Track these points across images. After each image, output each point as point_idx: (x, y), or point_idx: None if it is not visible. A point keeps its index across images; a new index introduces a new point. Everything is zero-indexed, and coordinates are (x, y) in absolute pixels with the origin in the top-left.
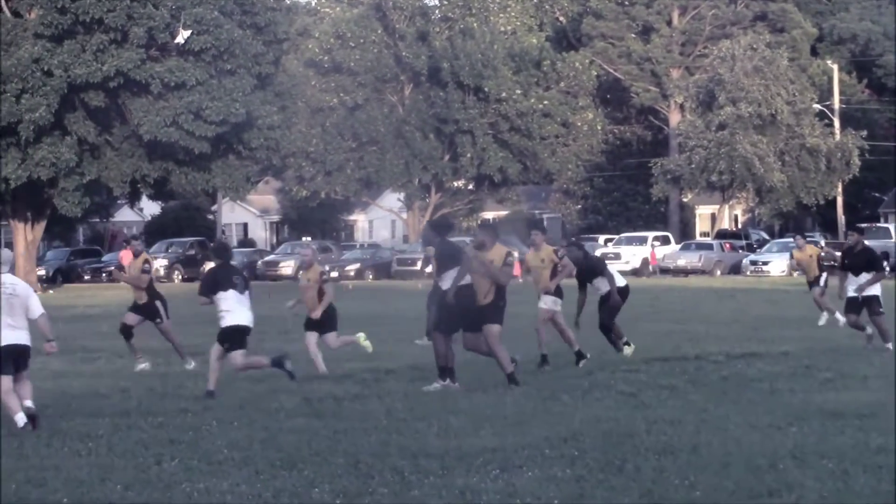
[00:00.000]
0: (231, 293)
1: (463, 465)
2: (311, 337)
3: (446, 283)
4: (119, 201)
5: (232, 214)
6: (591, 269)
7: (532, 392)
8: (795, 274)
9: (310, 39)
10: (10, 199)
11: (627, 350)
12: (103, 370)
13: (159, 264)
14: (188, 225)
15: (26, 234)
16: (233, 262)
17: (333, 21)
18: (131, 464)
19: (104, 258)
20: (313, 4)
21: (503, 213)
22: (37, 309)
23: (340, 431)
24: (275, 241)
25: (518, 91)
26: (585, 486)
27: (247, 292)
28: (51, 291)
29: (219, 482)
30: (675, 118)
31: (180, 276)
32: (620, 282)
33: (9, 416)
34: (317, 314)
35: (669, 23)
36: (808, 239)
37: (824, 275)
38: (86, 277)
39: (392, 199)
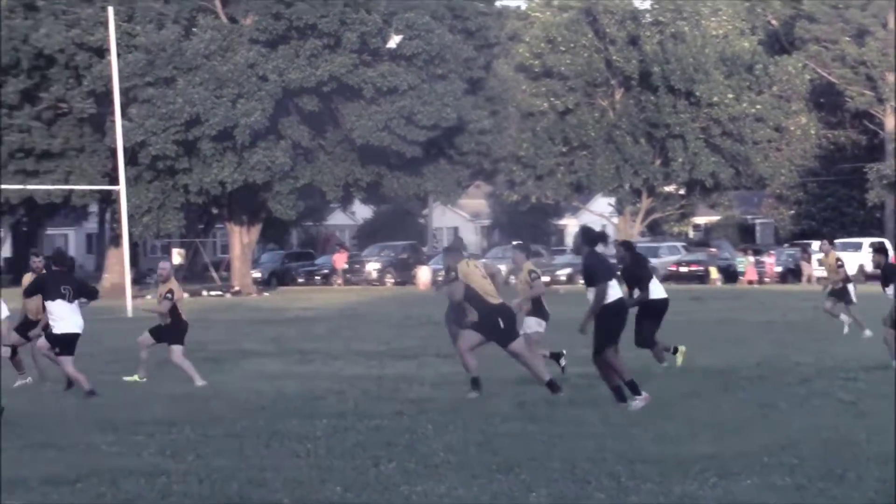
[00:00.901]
0: (59, 303)
1: (680, 472)
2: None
3: (590, 295)
4: (332, 205)
5: (443, 218)
6: (634, 275)
7: (749, 399)
8: None
9: (520, 44)
10: (227, 203)
11: (679, 357)
12: (319, 372)
13: (371, 267)
14: (400, 229)
15: (242, 237)
16: (72, 272)
17: (544, 25)
18: (349, 465)
19: (317, 261)
20: (523, 9)
21: (715, 218)
22: (3, 311)
23: (556, 436)
24: (485, 245)
25: (730, 95)
26: (806, 494)
27: (76, 302)
28: (265, 294)
29: (436, 485)
30: (890, 122)
31: (392, 280)
32: (658, 294)
33: None
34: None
35: (885, 25)
36: None
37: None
38: (299, 280)
39: (603, 204)
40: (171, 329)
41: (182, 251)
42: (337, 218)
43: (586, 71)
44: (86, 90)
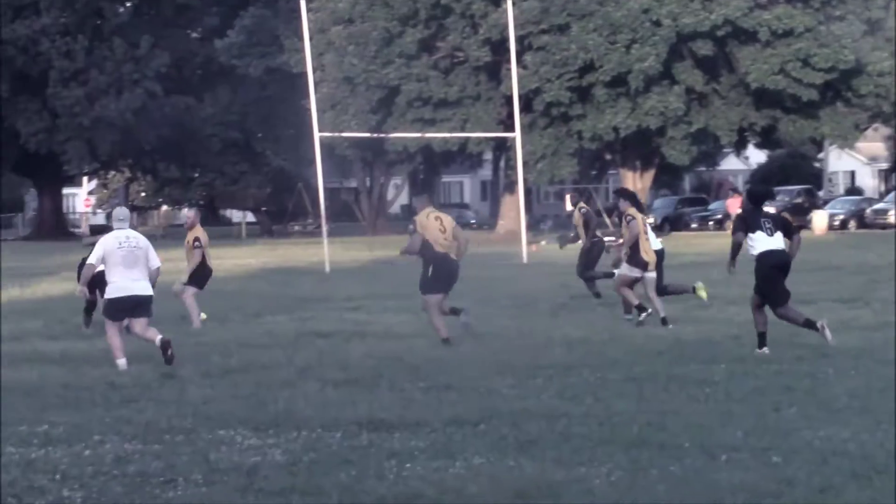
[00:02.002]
0: None
1: None
2: None
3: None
4: (725, 150)
5: (839, 162)
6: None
7: None
8: None
9: None
10: (620, 149)
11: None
12: (716, 317)
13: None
14: (794, 173)
15: (635, 183)
16: None
17: None
18: (749, 410)
19: (710, 206)
20: None
21: None
22: (154, 261)
23: None
24: (882, 188)
25: None
26: None
27: None
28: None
29: (839, 430)
30: None
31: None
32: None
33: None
34: None
35: None
36: None
37: None
38: (693, 226)
39: None
40: (196, 274)
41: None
42: (730, 163)
43: None
44: (481, 38)
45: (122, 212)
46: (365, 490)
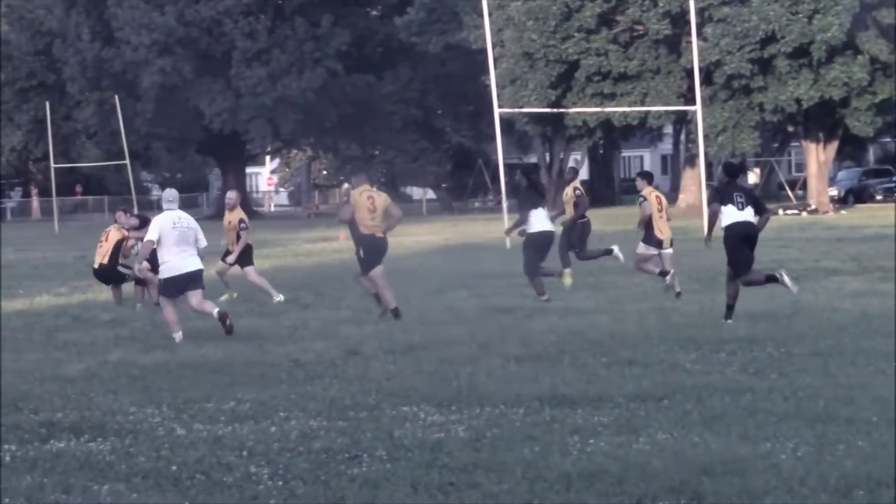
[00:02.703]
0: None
1: None
2: None
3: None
4: None
5: None
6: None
7: None
8: None
9: None
10: (802, 120)
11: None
12: None
13: None
14: None
15: (818, 155)
16: None
17: None
18: None
19: (895, 178)
20: None
21: None
22: (202, 240)
23: None
24: None
25: None
26: None
27: None
28: (842, 212)
29: None
30: None
31: None
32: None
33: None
34: None
35: None
36: None
37: None
38: (877, 197)
39: None
40: (246, 254)
41: (757, 170)
42: None
43: None
44: (661, 11)
45: (171, 193)
46: (548, 466)
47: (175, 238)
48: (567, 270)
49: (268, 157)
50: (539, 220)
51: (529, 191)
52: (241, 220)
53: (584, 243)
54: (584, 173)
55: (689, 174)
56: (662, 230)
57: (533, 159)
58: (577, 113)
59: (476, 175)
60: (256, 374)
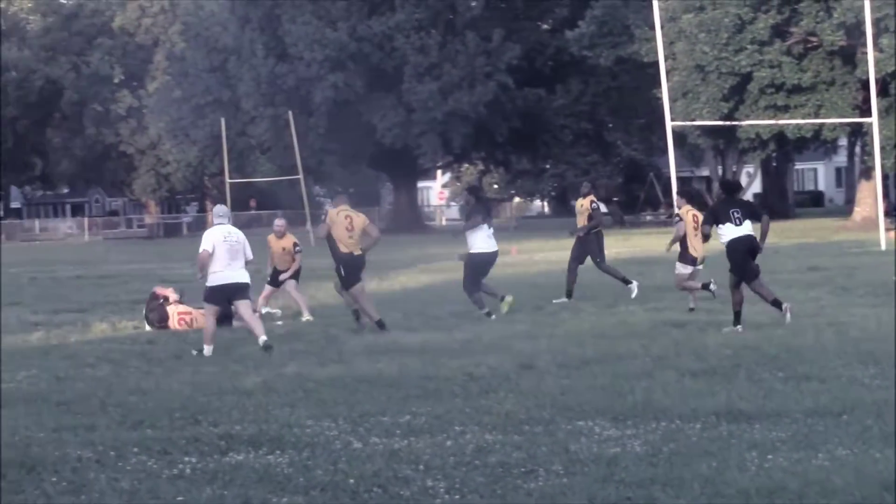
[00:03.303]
0: None
1: None
2: None
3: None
4: None
5: None
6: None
7: None
8: None
9: None
10: None
11: (505, 306)
12: None
13: None
14: None
15: None
16: None
17: None
18: None
19: None
20: None
21: None
22: (250, 254)
23: None
24: None
25: None
26: None
27: None
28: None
29: None
30: None
31: None
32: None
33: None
34: None
35: None
36: None
37: None
38: None
39: None
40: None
41: None
42: None
43: None
44: (836, 22)
45: (221, 209)
46: (726, 482)
47: (225, 250)
48: (509, 298)
49: (439, 172)
50: (482, 240)
51: (476, 209)
52: (295, 244)
53: (603, 252)
54: (756, 186)
55: (864, 186)
56: (696, 248)
57: (704, 172)
58: (750, 125)
59: (647, 188)
60: (431, 388)
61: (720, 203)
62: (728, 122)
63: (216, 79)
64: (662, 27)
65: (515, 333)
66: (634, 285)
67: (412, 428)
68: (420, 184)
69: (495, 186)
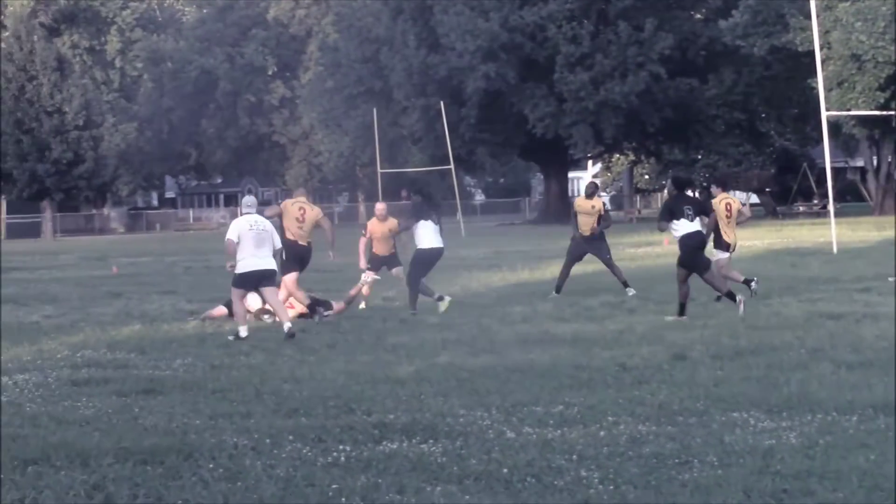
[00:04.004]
0: None
1: None
2: None
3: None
4: None
5: None
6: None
7: None
8: None
9: None
10: None
11: (443, 305)
12: None
13: None
14: None
15: None
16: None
17: None
18: None
19: None
20: None
21: None
22: (278, 242)
23: None
24: None
25: None
26: None
27: None
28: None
29: None
30: None
31: None
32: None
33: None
34: None
35: None
36: None
37: None
38: None
39: None
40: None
41: None
42: None
43: None
44: None
45: (249, 199)
46: (885, 475)
47: (251, 238)
48: (447, 299)
49: (590, 162)
50: (428, 237)
51: (419, 207)
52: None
53: (609, 251)
54: None
55: None
56: (729, 234)
57: (859, 163)
58: None
59: (801, 179)
60: (584, 378)
61: (674, 199)
62: (884, 112)
63: (368, 69)
64: (818, 16)
65: (668, 324)
66: (631, 291)
67: (565, 418)
68: (571, 174)
69: (646, 177)
